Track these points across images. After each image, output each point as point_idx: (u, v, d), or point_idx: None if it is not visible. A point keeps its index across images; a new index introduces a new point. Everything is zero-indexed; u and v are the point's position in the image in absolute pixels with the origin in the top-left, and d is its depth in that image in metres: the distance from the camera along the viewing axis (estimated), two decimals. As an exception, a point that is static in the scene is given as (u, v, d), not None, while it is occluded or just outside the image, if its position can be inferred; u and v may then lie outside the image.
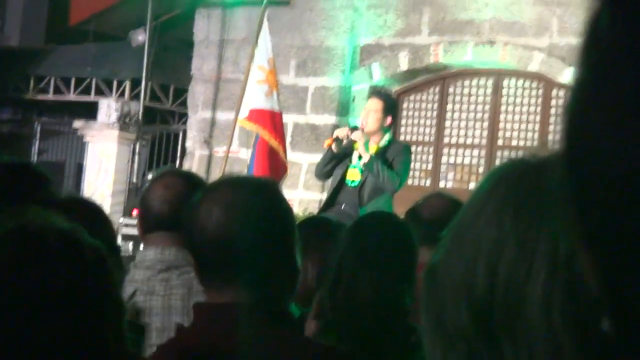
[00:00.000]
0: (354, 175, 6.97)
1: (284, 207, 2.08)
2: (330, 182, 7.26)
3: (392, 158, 6.93)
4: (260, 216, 2.02)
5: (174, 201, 2.71)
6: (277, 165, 7.80)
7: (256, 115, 8.14)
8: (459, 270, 0.91)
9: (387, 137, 7.04)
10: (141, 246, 2.97)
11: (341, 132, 7.07)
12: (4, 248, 1.36)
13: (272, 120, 8.04)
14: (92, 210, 2.32)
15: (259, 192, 2.06)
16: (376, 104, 6.96)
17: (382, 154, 6.96)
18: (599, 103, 0.49)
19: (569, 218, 0.53)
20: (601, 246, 0.51)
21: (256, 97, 8.19)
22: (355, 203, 6.88)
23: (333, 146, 7.02)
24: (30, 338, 1.31)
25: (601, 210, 0.49)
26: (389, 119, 6.95)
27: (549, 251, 0.86)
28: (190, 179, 2.91)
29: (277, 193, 2.10)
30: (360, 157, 6.98)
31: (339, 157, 7.07)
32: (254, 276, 1.99)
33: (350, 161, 7.03)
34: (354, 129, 7.01)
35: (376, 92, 7.25)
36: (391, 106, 7.05)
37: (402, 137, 9.43)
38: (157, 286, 2.78)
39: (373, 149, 7.02)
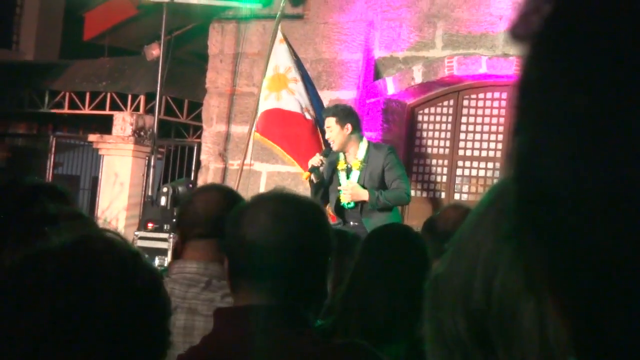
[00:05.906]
0: (347, 198, 7.02)
1: (328, 229, 2.13)
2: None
3: (383, 169, 6.96)
4: (306, 231, 2.05)
5: (218, 211, 2.76)
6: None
7: (261, 125, 8.20)
8: (458, 280, 0.93)
9: (362, 145, 7.07)
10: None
11: (314, 161, 7.14)
12: (62, 260, 1.34)
13: (275, 120, 8.05)
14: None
15: (307, 208, 2.10)
16: (329, 122, 7.08)
17: (368, 167, 6.99)
18: (545, 149, 0.50)
19: (521, 257, 0.53)
20: (568, 286, 0.49)
21: (264, 107, 8.25)
22: (359, 219, 6.91)
23: (312, 177, 7.12)
24: (68, 355, 1.30)
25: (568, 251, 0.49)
26: (348, 127, 6.99)
27: None
28: (232, 193, 3.06)
29: (323, 214, 2.15)
30: (348, 176, 7.05)
31: (324, 184, 7.15)
32: (282, 284, 2.01)
33: (340, 184, 7.08)
34: (324, 153, 7.15)
35: (326, 112, 7.35)
36: (344, 115, 7.08)
37: (416, 150, 9.43)
38: (200, 306, 2.77)
39: (355, 165, 7.05)
